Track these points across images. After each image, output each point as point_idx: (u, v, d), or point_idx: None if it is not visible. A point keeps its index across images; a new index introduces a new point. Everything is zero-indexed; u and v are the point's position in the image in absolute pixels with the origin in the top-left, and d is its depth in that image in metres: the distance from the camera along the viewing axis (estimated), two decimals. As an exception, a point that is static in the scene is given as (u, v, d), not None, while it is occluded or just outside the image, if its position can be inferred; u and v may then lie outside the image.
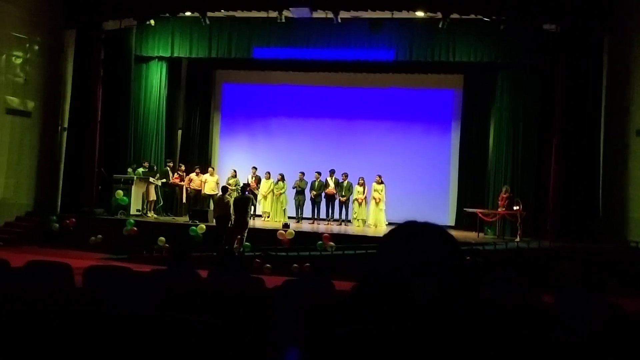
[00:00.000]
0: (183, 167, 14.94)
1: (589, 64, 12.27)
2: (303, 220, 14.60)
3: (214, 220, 11.95)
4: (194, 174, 14.66)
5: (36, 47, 13.74)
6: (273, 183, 14.69)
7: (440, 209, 15.24)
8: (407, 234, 1.44)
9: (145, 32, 14.87)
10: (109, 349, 1.79)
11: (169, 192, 14.68)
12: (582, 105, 12.23)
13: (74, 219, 12.73)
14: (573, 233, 11.66)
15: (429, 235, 1.39)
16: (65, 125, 14.37)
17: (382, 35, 13.87)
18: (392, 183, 14.50)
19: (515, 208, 12.35)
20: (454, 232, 13.18)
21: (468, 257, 10.35)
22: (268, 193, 14.75)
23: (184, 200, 14.62)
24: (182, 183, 14.65)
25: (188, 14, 13.75)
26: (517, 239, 12.01)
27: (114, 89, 14.56)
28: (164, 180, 14.38)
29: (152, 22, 14.02)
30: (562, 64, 12.46)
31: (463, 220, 14.43)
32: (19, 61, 13.35)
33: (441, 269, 1.27)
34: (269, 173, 14.87)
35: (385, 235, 1.47)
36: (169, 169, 14.78)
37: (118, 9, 13.67)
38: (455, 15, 12.51)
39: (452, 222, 15.15)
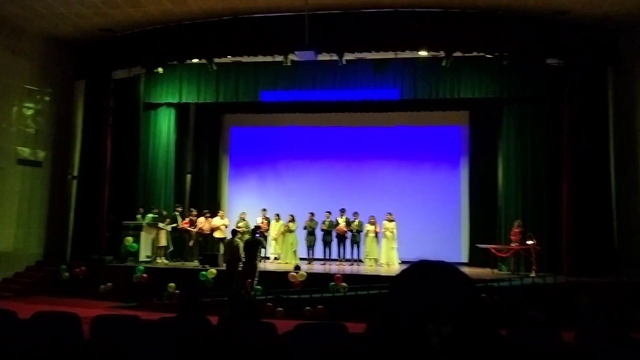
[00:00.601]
0: (195, 212, 14.87)
1: (594, 93, 12.29)
2: (314, 261, 14.45)
3: (225, 264, 11.85)
4: (203, 218, 14.61)
5: (47, 98, 14.02)
6: (283, 225, 14.62)
7: (452, 246, 15.08)
8: (420, 275, 1.38)
9: (153, 79, 15.10)
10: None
11: (179, 238, 14.61)
12: (590, 135, 12.19)
13: (84, 268, 12.68)
14: (589, 266, 11.45)
15: (443, 276, 1.33)
16: (75, 174, 14.49)
17: (386, 75, 14.02)
18: (403, 221, 14.39)
19: (529, 242, 12.16)
20: (468, 269, 13.06)
21: (484, 295, 10.14)
22: (279, 235, 14.67)
23: (191, 244, 14.45)
24: (192, 228, 14.56)
25: (195, 61, 14.00)
26: (533, 274, 11.79)
27: (124, 136, 14.70)
28: (174, 225, 14.37)
29: (161, 70, 14.26)
30: (567, 95, 12.48)
31: (477, 257, 14.22)
32: (30, 112, 13.59)
33: (457, 311, 1.21)
34: (278, 215, 14.85)
35: (398, 276, 1.41)
36: (177, 214, 14.76)
37: (127, 59, 13.98)
38: (458, 53, 12.66)
39: (465, 259, 14.95)
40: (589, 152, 12.13)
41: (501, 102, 14.29)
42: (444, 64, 12.99)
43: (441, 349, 1.22)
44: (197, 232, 14.46)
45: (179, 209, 14.99)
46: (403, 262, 13.95)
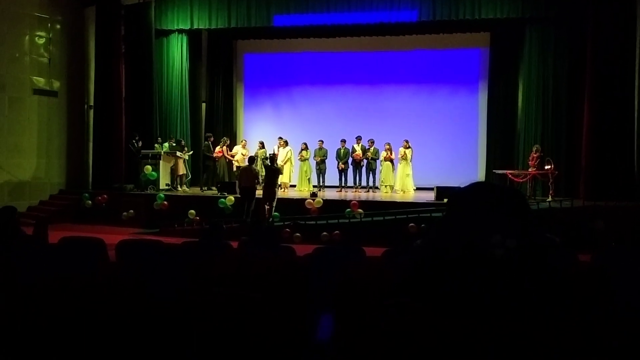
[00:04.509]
0: (228, 141, 14.57)
1: (621, 14, 11.75)
2: (327, 189, 14.42)
3: (239, 191, 11.97)
4: (240, 146, 14.49)
5: (58, 27, 13.81)
6: (291, 151, 14.37)
7: (469, 171, 15.00)
8: (479, 195, 1.36)
9: (164, 5, 14.72)
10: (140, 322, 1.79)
11: (211, 166, 14.21)
12: (614, 58, 11.78)
13: (105, 196, 12.95)
14: (607, 191, 11.38)
15: (501, 195, 1.32)
16: (91, 103, 14.50)
17: (404, -5, 13.49)
18: (419, 147, 14.31)
19: (546, 167, 12.08)
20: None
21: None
22: (285, 162, 14.12)
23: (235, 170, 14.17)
24: (228, 155, 14.30)
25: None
26: (549, 199, 11.78)
27: (136, 64, 14.53)
28: (191, 152, 14.43)
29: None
30: (592, 16, 11.96)
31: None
32: (42, 41, 13.45)
33: (519, 227, 1.21)
34: (285, 141, 14.34)
35: (454, 197, 1.40)
36: (209, 143, 14.35)
37: (136, -17, 13.60)
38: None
39: (481, 185, 14.93)
40: (612, 76, 11.77)
41: (523, 23, 13.73)
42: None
43: (504, 261, 1.23)
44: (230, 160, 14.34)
45: (211, 138, 14.53)
46: (418, 189, 14.02)
